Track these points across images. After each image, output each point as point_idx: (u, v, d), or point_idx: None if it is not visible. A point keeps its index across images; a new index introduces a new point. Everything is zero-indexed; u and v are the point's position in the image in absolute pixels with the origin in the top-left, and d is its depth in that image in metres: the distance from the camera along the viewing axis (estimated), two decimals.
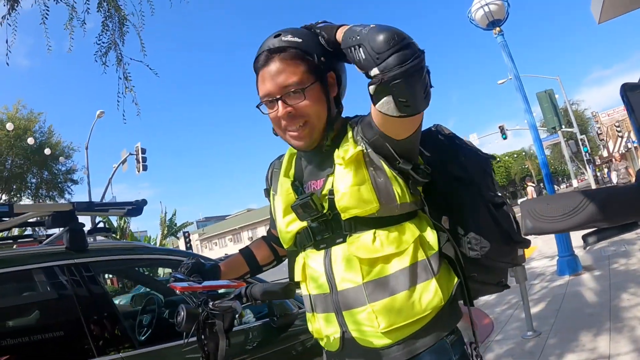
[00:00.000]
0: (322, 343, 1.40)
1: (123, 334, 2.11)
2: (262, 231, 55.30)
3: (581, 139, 30.00)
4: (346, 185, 1.23)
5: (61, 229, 2.35)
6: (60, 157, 26.33)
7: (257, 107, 1.32)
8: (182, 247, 32.79)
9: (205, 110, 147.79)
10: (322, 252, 1.31)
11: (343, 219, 1.26)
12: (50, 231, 2.66)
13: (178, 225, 33.96)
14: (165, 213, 33.23)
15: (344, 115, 1.40)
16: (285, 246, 1.44)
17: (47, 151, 23.36)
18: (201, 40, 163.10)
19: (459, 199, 1.33)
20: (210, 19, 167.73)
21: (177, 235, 34.18)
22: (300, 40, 1.25)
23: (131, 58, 5.37)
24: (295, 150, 1.45)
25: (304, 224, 1.32)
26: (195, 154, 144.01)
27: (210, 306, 1.34)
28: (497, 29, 7.31)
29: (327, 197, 1.28)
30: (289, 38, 1.25)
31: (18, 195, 26.14)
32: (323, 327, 1.34)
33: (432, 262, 1.27)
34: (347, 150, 1.26)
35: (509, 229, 1.34)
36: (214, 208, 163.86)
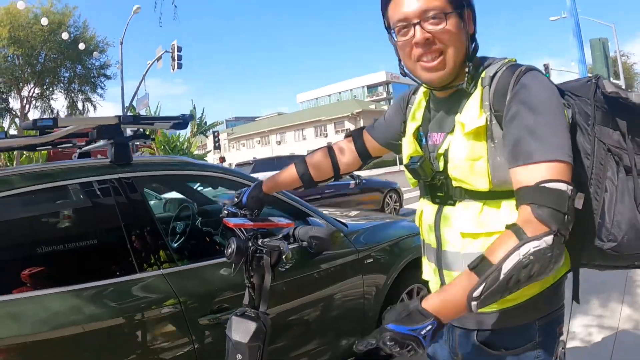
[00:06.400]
0: (429, 284, 1.43)
1: (164, 251, 2.16)
2: (290, 136, 56.58)
3: None
4: (461, 156, 1.17)
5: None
6: (94, 52, 26.46)
7: (388, 32, 1.25)
8: (210, 145, 34.04)
9: (244, 9, 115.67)
10: (436, 207, 1.29)
11: (453, 186, 1.22)
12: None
13: (208, 124, 34.25)
14: (195, 110, 33.69)
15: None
16: (411, 186, 1.43)
17: (81, 46, 23.10)
18: None
19: (601, 175, 1.12)
20: None
21: (207, 134, 35.19)
22: None
23: None
24: (428, 93, 1.38)
25: None
26: (230, 52, 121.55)
27: (259, 243, 1.42)
28: None
29: (442, 157, 1.24)
30: None
31: (50, 89, 27.16)
32: (429, 273, 1.39)
33: None
34: (470, 117, 1.17)
35: None
36: (244, 108, 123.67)
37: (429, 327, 0.98)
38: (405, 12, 1.17)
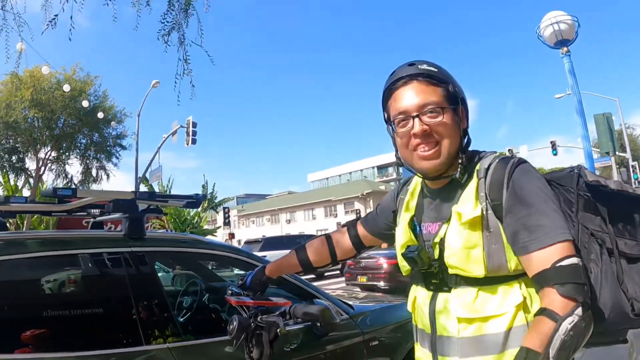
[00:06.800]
0: None
1: (171, 325, 2.19)
2: (300, 215, 57.24)
3: (632, 166, 28.50)
4: (457, 245, 1.24)
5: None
6: (112, 122, 26.82)
7: (387, 124, 1.37)
8: (220, 221, 34.94)
9: (260, 90, 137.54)
10: (431, 293, 1.34)
11: (449, 273, 1.28)
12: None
13: (218, 199, 34.60)
14: (206, 185, 33.67)
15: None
16: (403, 274, 1.47)
17: (99, 114, 23.65)
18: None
19: (586, 257, 1.19)
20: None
21: (217, 210, 35.39)
22: (436, 70, 1.30)
23: (192, 41, 5.41)
24: (421, 184, 1.48)
25: None
26: (244, 131, 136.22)
27: (258, 319, 1.56)
28: (565, 49, 7.32)
29: (438, 245, 1.30)
30: (425, 67, 1.29)
31: (67, 154, 27.27)
32: (422, 358, 1.41)
33: None
34: (467, 207, 1.25)
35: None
36: (255, 186, 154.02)
37: None
38: (405, 106, 1.30)
